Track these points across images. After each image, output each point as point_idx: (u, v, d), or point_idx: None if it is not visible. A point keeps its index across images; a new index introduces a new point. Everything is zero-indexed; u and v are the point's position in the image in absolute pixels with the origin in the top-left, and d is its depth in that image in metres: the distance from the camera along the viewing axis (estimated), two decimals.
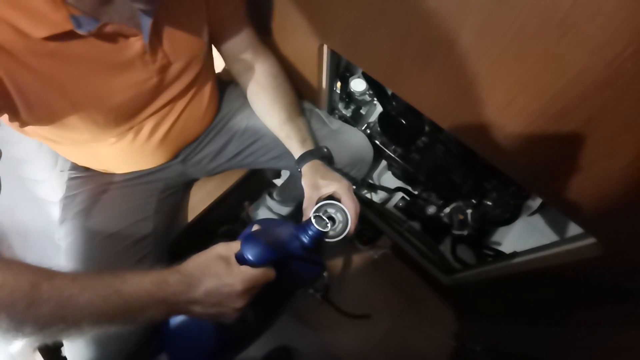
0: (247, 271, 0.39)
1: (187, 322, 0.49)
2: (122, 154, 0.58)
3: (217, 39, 0.60)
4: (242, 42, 0.61)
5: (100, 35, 0.42)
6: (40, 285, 0.31)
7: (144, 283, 0.36)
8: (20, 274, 0.32)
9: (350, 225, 0.50)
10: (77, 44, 0.42)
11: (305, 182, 0.55)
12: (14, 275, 0.31)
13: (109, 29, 0.42)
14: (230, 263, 0.40)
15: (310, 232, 0.46)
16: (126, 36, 0.45)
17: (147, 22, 0.44)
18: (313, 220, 0.45)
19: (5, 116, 0.44)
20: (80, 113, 0.47)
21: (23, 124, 0.45)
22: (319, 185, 0.53)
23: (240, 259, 0.41)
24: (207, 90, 0.62)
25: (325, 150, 0.61)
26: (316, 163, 0.57)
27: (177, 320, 0.49)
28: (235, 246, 0.41)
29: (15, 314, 0.30)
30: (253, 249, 0.40)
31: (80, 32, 0.40)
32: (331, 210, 0.50)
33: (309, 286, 0.50)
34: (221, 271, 0.39)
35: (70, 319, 0.32)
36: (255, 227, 0.47)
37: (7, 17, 0.36)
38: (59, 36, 0.39)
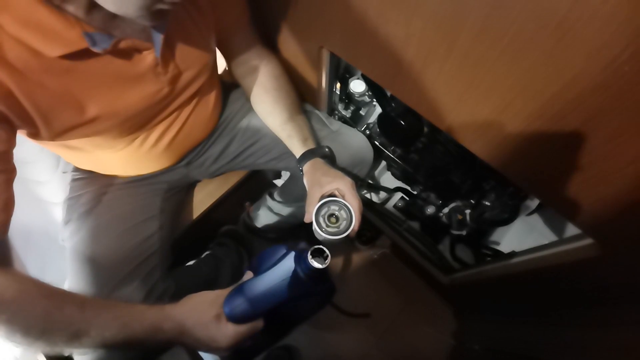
0: (232, 329, 0.43)
1: None
2: (128, 160, 0.59)
3: (222, 44, 0.60)
4: (246, 46, 0.61)
5: (114, 51, 0.42)
6: (53, 316, 0.37)
7: (141, 328, 0.41)
8: (35, 300, 0.36)
9: (355, 222, 0.49)
10: (91, 61, 0.41)
11: (307, 180, 0.55)
12: (29, 302, 0.36)
13: (122, 44, 0.42)
14: (219, 317, 0.43)
15: (307, 271, 0.42)
16: (139, 50, 0.45)
17: (158, 36, 0.44)
18: (309, 257, 0.41)
19: (24, 132, 0.44)
20: (96, 126, 0.47)
21: (42, 139, 0.45)
22: (322, 183, 0.52)
23: (227, 316, 0.43)
24: (213, 95, 0.63)
25: (327, 150, 0.61)
26: (317, 161, 0.57)
27: None
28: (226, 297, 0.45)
29: (28, 338, 0.35)
30: (234, 311, 0.43)
31: (95, 49, 0.39)
32: (334, 208, 0.50)
33: (319, 310, 0.50)
34: (210, 325, 0.43)
35: (77, 346, 0.38)
36: (246, 276, 0.48)
37: (20, 37, 0.35)
38: (74, 54, 0.39)
